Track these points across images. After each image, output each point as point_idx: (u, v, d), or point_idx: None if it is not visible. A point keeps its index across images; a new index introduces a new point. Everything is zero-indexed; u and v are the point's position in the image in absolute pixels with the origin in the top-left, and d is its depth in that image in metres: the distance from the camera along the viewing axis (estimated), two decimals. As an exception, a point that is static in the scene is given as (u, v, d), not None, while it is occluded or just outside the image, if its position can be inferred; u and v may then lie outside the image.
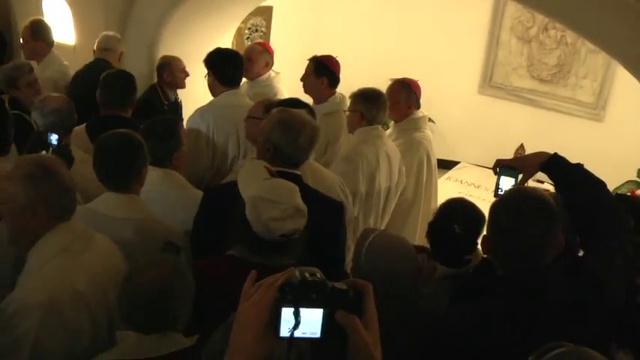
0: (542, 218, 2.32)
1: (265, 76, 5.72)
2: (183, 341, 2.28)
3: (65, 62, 5.93)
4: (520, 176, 2.85)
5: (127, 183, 3.16)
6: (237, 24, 7.16)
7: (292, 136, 3.24)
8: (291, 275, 1.35)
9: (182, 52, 6.04)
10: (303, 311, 1.31)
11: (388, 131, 5.38)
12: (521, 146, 6.96)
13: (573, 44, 8.63)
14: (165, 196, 3.51)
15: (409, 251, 2.88)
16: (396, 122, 5.26)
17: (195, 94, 5.90)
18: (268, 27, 8.51)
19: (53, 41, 5.91)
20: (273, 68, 5.83)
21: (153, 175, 3.47)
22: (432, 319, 2.59)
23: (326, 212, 3.23)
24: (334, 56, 5.36)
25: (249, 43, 8.01)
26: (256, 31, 8.37)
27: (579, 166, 2.76)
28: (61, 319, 2.42)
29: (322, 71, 5.16)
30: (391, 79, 5.24)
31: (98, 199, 3.18)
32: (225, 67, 4.87)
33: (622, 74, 8.20)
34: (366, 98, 4.53)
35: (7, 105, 3.80)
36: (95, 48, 5.71)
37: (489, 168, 2.94)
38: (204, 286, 2.46)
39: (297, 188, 2.73)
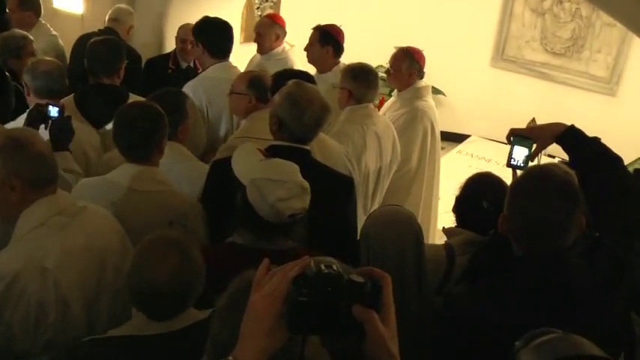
0: (564, 200, 2.26)
1: (279, 49, 5.64)
2: (195, 315, 2.25)
3: (54, 32, 5.75)
4: (534, 147, 2.77)
5: (148, 154, 3.14)
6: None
7: (297, 113, 3.17)
8: (306, 266, 1.30)
9: (191, 22, 5.99)
10: (317, 305, 1.26)
11: (391, 100, 5.38)
12: (533, 120, 6.89)
13: (588, 17, 8.50)
14: (171, 169, 3.46)
15: (407, 218, 2.80)
16: (398, 91, 5.22)
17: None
18: (279, -3, 8.42)
19: (41, 11, 5.73)
20: (285, 39, 5.76)
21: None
22: (449, 295, 2.55)
23: (336, 187, 3.20)
24: (338, 25, 5.34)
25: (260, 13, 7.94)
26: (266, 0, 8.28)
27: (596, 140, 2.67)
28: (24, 293, 2.38)
29: (327, 40, 5.16)
30: (395, 47, 5.21)
31: (117, 171, 3.16)
32: (214, 38, 4.78)
33: (637, 48, 8.11)
34: (355, 76, 4.39)
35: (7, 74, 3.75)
36: (106, 18, 5.66)
37: (500, 142, 2.90)
38: (209, 276, 2.35)
39: (296, 166, 2.67)
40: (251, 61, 5.77)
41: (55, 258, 2.45)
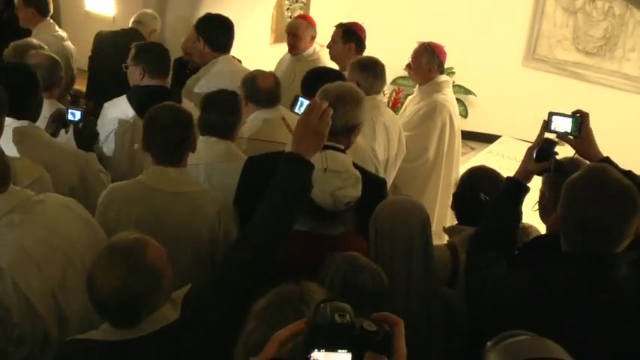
0: (623, 205, 2.23)
1: (310, 50, 5.73)
2: (167, 316, 2.23)
3: (61, 33, 5.69)
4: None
5: (179, 157, 3.17)
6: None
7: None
8: (321, 314, 1.33)
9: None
10: (329, 355, 1.29)
11: (413, 94, 5.45)
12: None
13: (621, 16, 8.39)
14: (229, 168, 3.56)
15: (414, 205, 2.85)
16: (419, 85, 5.30)
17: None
18: (308, -2, 8.43)
19: (48, 10, 5.70)
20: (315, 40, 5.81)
21: (217, 147, 3.61)
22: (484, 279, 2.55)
23: (370, 188, 3.22)
24: (361, 23, 5.45)
25: (290, 14, 7.96)
26: (297, 1, 8.30)
27: (630, 173, 2.61)
28: None
29: (350, 37, 5.29)
30: (418, 42, 5.28)
31: (147, 173, 3.20)
32: (216, 33, 4.92)
33: (672, 47, 7.98)
34: (363, 67, 4.53)
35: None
36: (131, 20, 5.73)
37: (531, 142, 2.86)
38: (285, 267, 2.40)
39: (349, 158, 2.87)
40: (280, 62, 5.80)
41: (9, 257, 2.43)
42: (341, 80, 3.73)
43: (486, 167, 3.37)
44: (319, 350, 1.29)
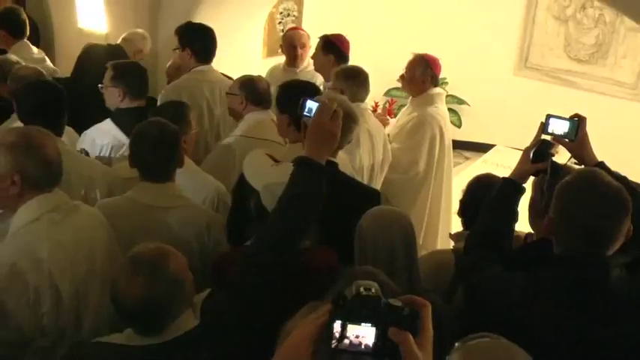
0: (615, 207, 2.24)
1: (305, 63, 5.74)
2: (188, 323, 2.27)
3: (37, 55, 5.65)
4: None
5: (168, 174, 3.18)
6: (268, 9, 7.12)
7: None
8: (347, 289, 1.32)
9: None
10: (353, 326, 1.28)
11: (406, 106, 5.42)
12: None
13: (612, 23, 8.43)
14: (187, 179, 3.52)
15: (397, 215, 2.85)
16: (412, 97, 5.27)
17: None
18: (300, 11, 8.45)
19: (23, 33, 5.64)
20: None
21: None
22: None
23: (362, 200, 3.21)
24: (344, 35, 5.45)
25: (282, 27, 7.98)
26: (288, 15, 8.32)
27: (625, 179, 2.62)
28: (22, 281, 2.53)
29: (329, 49, 5.26)
30: (413, 54, 5.25)
31: (136, 189, 3.20)
32: (200, 42, 4.89)
33: (663, 53, 8.02)
34: (347, 76, 4.54)
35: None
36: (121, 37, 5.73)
37: (526, 150, 2.87)
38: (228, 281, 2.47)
39: None
40: (272, 75, 5.78)
41: (48, 250, 2.61)
42: (316, 92, 3.78)
43: (492, 175, 3.38)
44: (343, 322, 1.28)
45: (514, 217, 2.78)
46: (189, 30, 4.95)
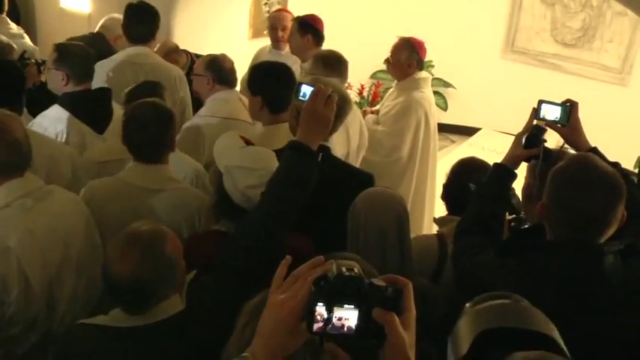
0: (609, 192, 2.23)
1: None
2: (174, 306, 2.27)
3: (16, 31, 5.52)
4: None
5: (160, 154, 3.16)
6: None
7: None
8: (328, 269, 1.29)
9: (197, 18, 5.98)
10: (337, 307, 1.26)
11: (390, 90, 5.39)
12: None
13: (599, 7, 8.42)
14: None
15: (391, 196, 2.83)
16: (398, 81, 5.24)
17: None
18: (286, -8, 8.38)
19: (1, 8, 5.52)
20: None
21: None
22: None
23: (356, 185, 3.20)
24: (317, 14, 5.42)
25: (267, 9, 7.91)
26: (274, -4, 8.25)
27: (617, 165, 2.61)
28: None
29: (306, 29, 5.22)
30: (398, 37, 5.23)
31: (128, 170, 3.18)
32: (133, 22, 4.80)
33: (649, 37, 8.03)
34: (326, 64, 4.43)
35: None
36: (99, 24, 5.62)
37: (512, 134, 2.86)
38: (193, 263, 2.45)
39: (273, 154, 2.73)
40: (258, 56, 5.74)
41: (17, 237, 2.57)
42: (288, 73, 3.76)
43: (476, 158, 3.38)
44: (325, 304, 1.25)
45: (506, 202, 2.77)
46: (127, 10, 4.86)
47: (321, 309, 1.26)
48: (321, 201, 2.59)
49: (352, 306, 1.26)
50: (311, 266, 1.33)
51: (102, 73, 4.48)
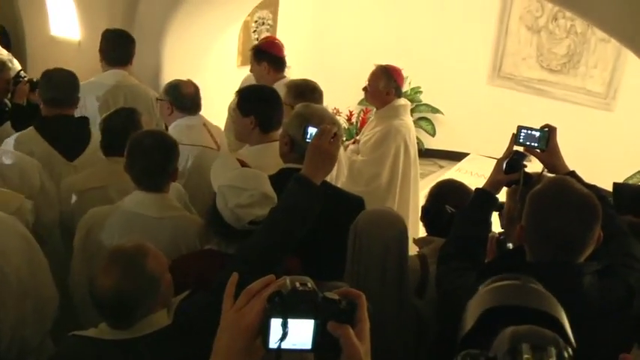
0: (585, 214, 2.26)
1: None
2: (160, 321, 2.32)
3: (3, 56, 5.56)
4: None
5: (162, 182, 3.19)
6: (243, 17, 7.11)
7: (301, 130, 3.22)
8: (281, 285, 1.30)
9: (189, 45, 6.02)
10: (292, 322, 1.26)
11: (369, 120, 5.37)
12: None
13: (583, 33, 8.55)
14: None
15: (394, 217, 2.89)
16: (377, 109, 5.22)
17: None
18: (275, 20, 8.45)
19: None
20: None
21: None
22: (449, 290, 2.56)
23: (347, 209, 3.23)
24: (275, 39, 5.42)
25: (257, 36, 7.97)
26: (263, 24, 8.31)
27: (595, 187, 2.65)
28: None
29: (261, 56, 5.18)
30: (375, 65, 5.20)
31: (130, 198, 3.19)
32: (110, 46, 4.93)
33: (632, 63, 8.11)
34: (300, 94, 4.43)
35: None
36: None
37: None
38: (185, 282, 2.51)
39: (265, 176, 2.80)
40: (244, 82, 5.77)
41: None
42: (276, 95, 3.86)
43: (454, 180, 3.49)
44: (280, 319, 1.25)
45: (487, 226, 2.82)
46: (104, 35, 5.02)
47: (276, 324, 1.26)
48: (315, 225, 2.63)
49: (307, 320, 1.27)
50: (263, 283, 1.33)
51: (88, 96, 4.60)
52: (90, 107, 4.70)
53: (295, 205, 2.47)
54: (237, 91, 3.88)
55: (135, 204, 3.15)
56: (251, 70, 5.30)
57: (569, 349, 1.34)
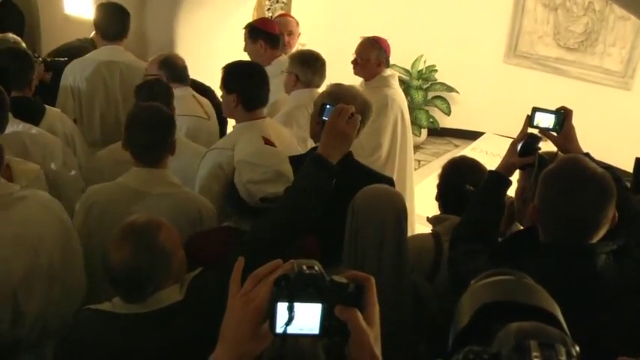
0: (599, 194, 2.23)
1: (295, 47, 5.71)
2: (172, 297, 2.32)
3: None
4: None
5: (161, 157, 3.19)
6: (257, -5, 7.10)
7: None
8: (288, 269, 1.29)
9: (201, 23, 5.99)
10: (299, 306, 1.24)
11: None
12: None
13: (601, 11, 8.43)
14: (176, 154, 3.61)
15: (391, 195, 2.84)
16: (366, 81, 5.18)
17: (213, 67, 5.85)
18: (289, -3, 8.41)
19: None
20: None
21: None
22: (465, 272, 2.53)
23: None
24: (269, 17, 5.51)
25: (271, 14, 7.93)
26: (277, 1, 8.27)
27: (611, 168, 2.61)
28: None
29: (256, 34, 5.13)
30: (362, 37, 5.20)
31: (128, 175, 3.18)
32: (105, 21, 4.89)
33: (652, 41, 8.03)
34: (303, 61, 4.54)
35: None
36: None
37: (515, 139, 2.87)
38: (203, 258, 2.52)
39: (284, 155, 2.81)
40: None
41: None
42: (261, 71, 3.79)
43: (467, 157, 3.41)
44: (287, 303, 1.24)
45: (501, 209, 2.78)
46: (98, 10, 4.99)
47: (282, 308, 1.24)
48: (342, 203, 2.63)
49: (314, 304, 1.25)
50: (270, 268, 1.32)
51: (75, 73, 4.61)
52: (85, 84, 4.71)
53: (309, 183, 2.48)
54: (223, 67, 3.85)
55: (134, 180, 3.15)
56: (245, 50, 5.26)
57: (577, 347, 1.31)
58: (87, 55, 4.87)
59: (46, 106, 4.10)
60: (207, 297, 2.33)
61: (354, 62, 5.14)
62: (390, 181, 3.36)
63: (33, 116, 3.85)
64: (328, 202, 2.57)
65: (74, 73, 4.60)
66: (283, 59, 4.97)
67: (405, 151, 5.28)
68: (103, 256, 2.31)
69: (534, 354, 1.25)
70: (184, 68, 4.44)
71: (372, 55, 5.06)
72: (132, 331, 2.26)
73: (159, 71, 4.33)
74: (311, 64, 4.54)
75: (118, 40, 4.91)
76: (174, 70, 4.36)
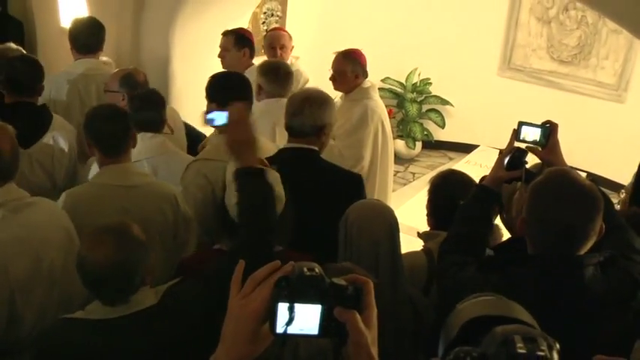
0: (587, 206, 2.25)
1: (289, 61, 5.72)
2: (149, 299, 2.35)
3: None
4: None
5: (125, 150, 3.28)
6: (252, 8, 7.12)
7: (294, 108, 3.42)
8: (288, 270, 1.30)
9: (197, 35, 6.01)
10: (299, 307, 1.26)
11: (338, 103, 5.25)
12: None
13: (594, 24, 8.48)
14: (170, 160, 3.79)
15: (383, 209, 2.87)
16: (346, 94, 5.19)
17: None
18: (284, 11, 8.45)
19: None
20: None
21: (154, 142, 3.77)
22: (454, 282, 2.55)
23: (345, 186, 3.24)
24: (263, 30, 5.63)
25: (265, 27, 7.97)
26: (272, 15, 8.31)
27: (594, 182, 2.64)
28: None
29: (243, 43, 5.28)
30: (334, 52, 5.21)
31: (99, 174, 3.30)
32: (79, 35, 4.87)
33: (644, 54, 8.08)
34: (265, 72, 4.61)
35: None
36: None
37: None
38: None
39: (276, 175, 2.77)
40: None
41: None
42: (244, 82, 3.85)
43: (457, 171, 3.43)
44: (287, 304, 1.26)
45: (488, 223, 2.79)
46: (72, 24, 4.97)
47: (283, 309, 1.26)
48: (310, 202, 2.64)
49: (314, 305, 1.27)
50: (269, 270, 1.34)
51: (51, 87, 4.55)
52: (61, 98, 4.70)
53: (249, 198, 2.51)
54: (210, 76, 3.88)
55: (106, 177, 3.24)
56: (222, 56, 5.36)
57: (557, 344, 1.37)
58: (62, 70, 4.88)
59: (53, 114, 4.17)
60: (181, 300, 2.36)
61: (332, 78, 5.13)
62: (359, 179, 3.48)
63: (42, 123, 3.95)
64: (303, 202, 2.61)
65: (49, 88, 4.50)
66: (254, 68, 5.02)
67: (385, 162, 5.30)
68: (80, 261, 2.30)
69: (519, 345, 1.33)
70: (145, 84, 4.36)
71: (346, 68, 5.04)
72: (107, 336, 2.26)
73: (120, 88, 4.25)
74: (272, 75, 4.57)
75: (93, 53, 4.89)
76: (135, 87, 4.26)
